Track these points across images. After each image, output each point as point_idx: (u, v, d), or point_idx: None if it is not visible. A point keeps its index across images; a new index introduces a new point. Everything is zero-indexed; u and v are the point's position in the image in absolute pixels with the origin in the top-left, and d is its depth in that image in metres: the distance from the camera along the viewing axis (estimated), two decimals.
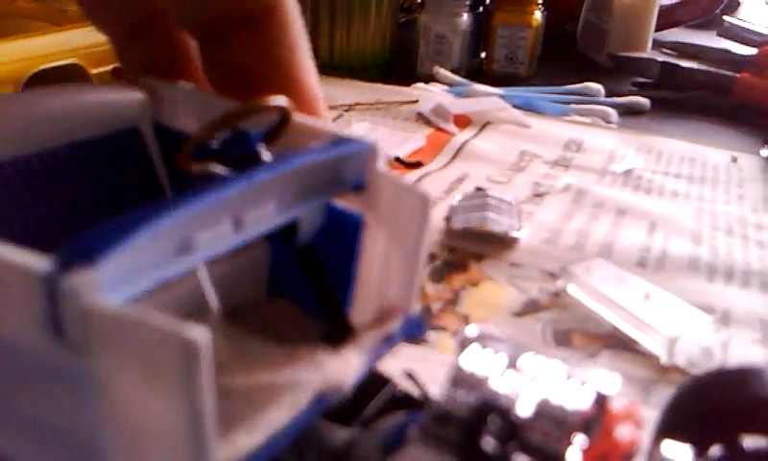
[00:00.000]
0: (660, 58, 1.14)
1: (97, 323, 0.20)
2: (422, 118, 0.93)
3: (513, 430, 0.24)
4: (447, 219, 0.63)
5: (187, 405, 0.19)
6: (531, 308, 0.53)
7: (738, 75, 1.06)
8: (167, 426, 0.20)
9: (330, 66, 1.13)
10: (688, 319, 0.50)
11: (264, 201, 0.27)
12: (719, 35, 1.22)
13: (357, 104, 0.98)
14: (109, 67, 0.97)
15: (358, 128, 0.87)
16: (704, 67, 1.10)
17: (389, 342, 0.31)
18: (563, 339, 0.50)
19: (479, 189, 0.70)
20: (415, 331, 0.32)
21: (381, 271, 0.34)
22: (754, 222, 0.68)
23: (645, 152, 0.86)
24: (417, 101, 0.98)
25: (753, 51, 1.11)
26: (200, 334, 0.19)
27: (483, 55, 1.24)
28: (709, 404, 0.32)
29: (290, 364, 0.27)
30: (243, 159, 0.30)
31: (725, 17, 1.26)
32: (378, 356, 0.30)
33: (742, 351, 0.49)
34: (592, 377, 0.27)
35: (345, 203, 0.35)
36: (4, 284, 0.21)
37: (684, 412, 0.34)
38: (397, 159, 0.79)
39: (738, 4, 1.64)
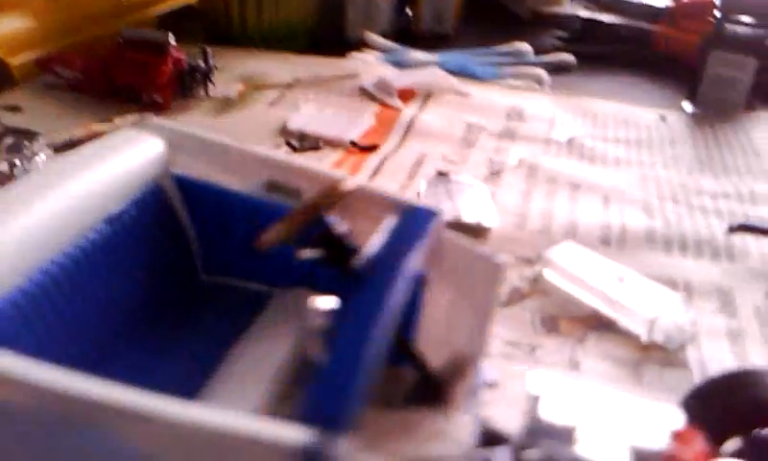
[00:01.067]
0: (582, 13, 1.18)
1: None
2: (366, 93, 0.93)
3: None
4: None
5: None
6: (516, 297, 0.56)
7: (656, 27, 1.11)
8: None
9: (260, 35, 1.11)
10: (661, 298, 0.54)
11: None
12: None
13: (297, 81, 0.97)
14: (31, 56, 0.92)
15: (306, 110, 0.87)
16: (623, 21, 1.14)
17: (475, 394, 0.34)
18: (551, 326, 0.54)
19: (441, 174, 0.73)
20: (493, 381, 0.35)
21: (446, 322, 0.36)
22: (693, 187, 0.73)
23: (581, 115, 0.91)
24: (357, 75, 0.98)
25: (669, 2, 1.16)
26: None
27: (409, 12, 1.24)
28: (722, 405, 0.36)
29: (417, 434, 0.29)
30: (323, 238, 0.32)
31: None
32: (473, 409, 0.33)
33: (708, 323, 0.54)
34: (658, 411, 0.30)
35: None
36: (249, 454, 0.22)
37: (699, 411, 0.38)
38: (353, 144, 0.80)
39: None
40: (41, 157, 0.69)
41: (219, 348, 0.36)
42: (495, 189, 0.71)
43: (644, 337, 0.52)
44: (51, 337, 0.31)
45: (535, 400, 0.31)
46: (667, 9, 1.13)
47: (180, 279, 0.39)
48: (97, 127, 0.79)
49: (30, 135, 0.76)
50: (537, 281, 0.58)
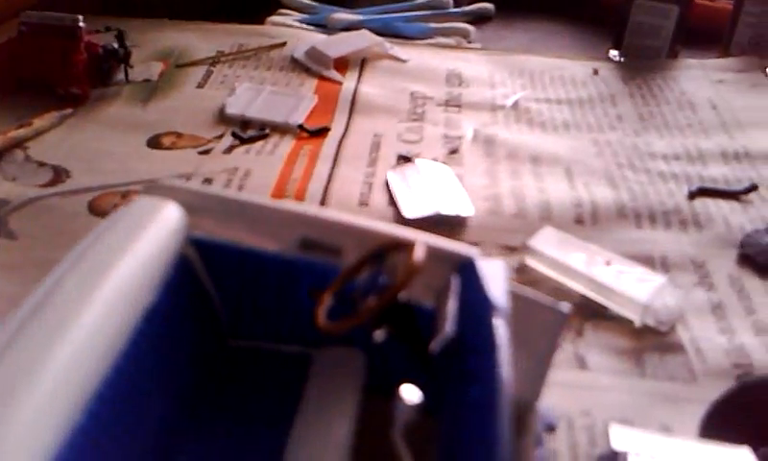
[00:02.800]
0: None
1: None
2: (299, 65, 0.89)
3: None
4: (395, 207, 0.63)
5: None
6: None
7: None
8: None
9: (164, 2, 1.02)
10: (647, 280, 0.56)
11: None
12: None
13: (221, 54, 0.90)
14: None
15: (241, 91, 0.81)
16: None
17: (540, 444, 0.33)
18: None
19: (403, 158, 0.71)
20: (553, 424, 0.34)
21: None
22: (645, 150, 0.75)
23: (518, 74, 0.90)
24: (284, 43, 0.93)
25: None
26: None
27: None
28: (757, 409, 0.38)
29: None
30: (390, 313, 0.30)
31: None
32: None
33: (690, 299, 0.56)
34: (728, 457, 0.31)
35: None
36: None
37: (731, 416, 0.40)
38: (301, 128, 0.76)
39: None
40: None
41: (274, 418, 0.34)
42: (460, 170, 0.70)
43: (638, 322, 0.54)
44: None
45: (622, 456, 0.31)
46: None
47: (210, 349, 0.36)
48: (15, 133, 0.71)
49: None
50: (523, 271, 0.58)
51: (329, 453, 0.31)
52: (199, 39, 0.94)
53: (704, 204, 0.66)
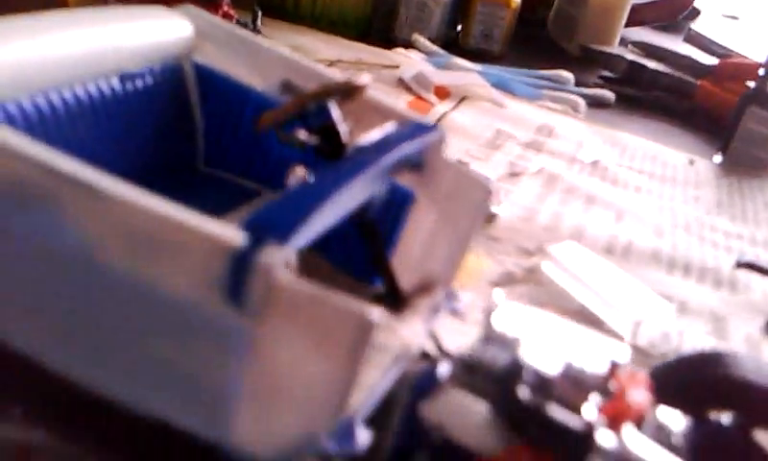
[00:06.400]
0: (629, 56, 1.18)
1: (282, 296, 0.22)
2: (403, 84, 0.95)
3: (544, 384, 0.27)
4: None
5: (347, 369, 0.23)
6: (507, 280, 0.57)
7: (699, 82, 1.11)
8: (317, 384, 0.23)
9: (312, 17, 1.13)
10: (652, 305, 0.54)
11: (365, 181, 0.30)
12: (685, 40, 1.28)
13: (339, 61, 0.99)
14: None
15: None
16: (668, 70, 1.15)
17: (436, 312, 0.34)
18: None
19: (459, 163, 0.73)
20: (456, 307, 0.35)
21: (425, 245, 0.37)
22: (709, 224, 0.73)
23: (610, 145, 0.91)
24: (398, 66, 0.99)
25: (714, 61, 1.17)
26: (376, 315, 0.22)
27: (459, 28, 1.26)
28: (686, 381, 0.36)
29: None
30: (322, 128, 0.33)
31: (691, 26, 1.32)
32: (431, 324, 0.34)
33: (695, 340, 0.54)
34: (605, 345, 0.31)
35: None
36: (187, 248, 0.23)
37: (665, 386, 0.38)
38: None
39: (698, 12, 1.72)
40: None
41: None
42: (512, 188, 0.72)
43: (628, 338, 0.52)
44: None
45: (491, 311, 0.31)
46: (712, 66, 1.14)
47: (180, 164, 0.40)
48: None
49: None
50: (532, 272, 0.58)
51: None
52: (326, 46, 1.03)
53: (747, 275, 0.63)
